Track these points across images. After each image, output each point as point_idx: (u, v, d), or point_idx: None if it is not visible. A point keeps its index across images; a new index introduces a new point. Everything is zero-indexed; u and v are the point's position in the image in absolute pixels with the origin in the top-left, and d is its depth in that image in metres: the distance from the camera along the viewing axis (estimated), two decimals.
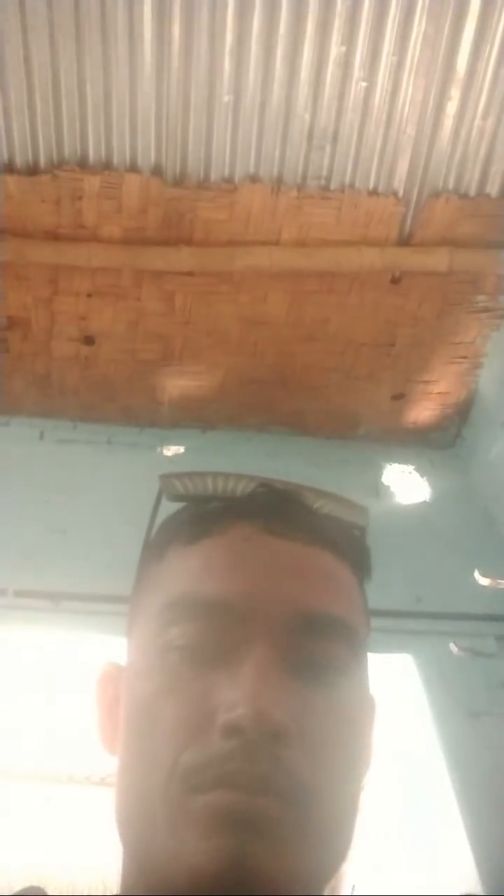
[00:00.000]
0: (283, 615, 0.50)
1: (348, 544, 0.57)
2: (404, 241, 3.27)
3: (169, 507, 0.60)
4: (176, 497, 0.61)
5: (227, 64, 2.83)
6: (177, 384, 3.59)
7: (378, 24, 2.77)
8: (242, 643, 0.49)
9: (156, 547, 0.59)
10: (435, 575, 2.94)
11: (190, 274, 3.22)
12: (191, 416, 3.69)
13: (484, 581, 2.81)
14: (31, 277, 3.23)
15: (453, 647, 2.64)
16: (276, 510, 0.56)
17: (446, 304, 3.45)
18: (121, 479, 3.29)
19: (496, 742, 2.41)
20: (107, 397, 3.62)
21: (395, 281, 3.37)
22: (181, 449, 3.62)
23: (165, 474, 0.62)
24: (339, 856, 0.48)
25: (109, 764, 0.54)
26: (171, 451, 3.64)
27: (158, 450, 3.62)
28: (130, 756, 0.51)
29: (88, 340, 3.44)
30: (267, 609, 0.50)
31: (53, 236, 3.13)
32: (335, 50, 2.83)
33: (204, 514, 0.57)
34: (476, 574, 2.85)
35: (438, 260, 3.27)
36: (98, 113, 2.90)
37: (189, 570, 0.54)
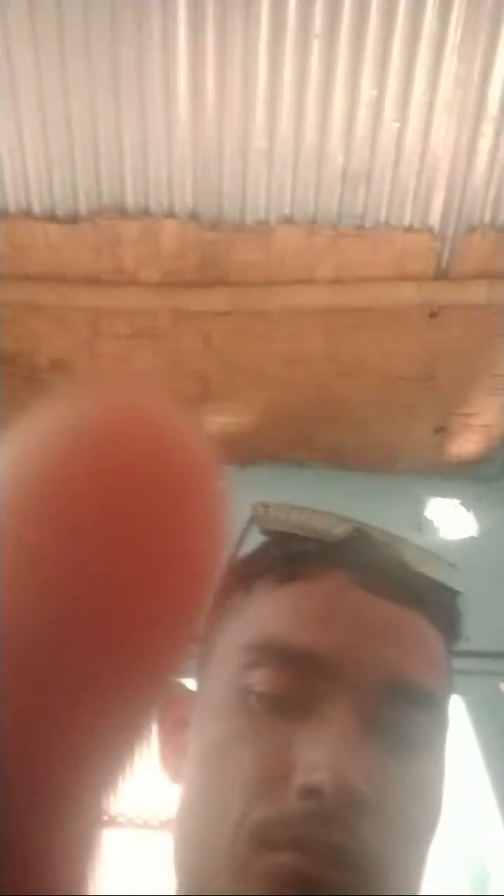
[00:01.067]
0: (373, 679, 0.49)
1: (441, 608, 0.56)
2: (441, 276, 3.27)
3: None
4: (268, 530, 0.59)
5: (259, 110, 2.90)
6: (215, 421, 3.62)
7: (408, 65, 2.82)
8: (328, 700, 0.47)
9: (243, 577, 0.57)
10: (483, 613, 2.86)
11: (226, 314, 3.27)
12: (229, 453, 3.70)
13: None
14: (72, 321, 3.32)
15: (503, 687, 2.55)
16: (372, 562, 0.54)
17: (486, 336, 3.42)
18: None
19: None
20: None
21: (433, 315, 3.36)
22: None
23: (259, 502, 0.59)
24: None
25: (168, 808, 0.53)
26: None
27: None
28: (196, 795, 0.50)
29: None
30: (357, 669, 0.49)
31: (94, 281, 3.21)
32: (366, 93, 2.89)
33: (299, 553, 0.56)
34: None
35: (476, 293, 3.26)
36: (136, 162, 3.00)
37: (279, 614, 0.52)
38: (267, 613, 0.53)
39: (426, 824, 0.49)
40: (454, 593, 0.59)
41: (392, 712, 0.48)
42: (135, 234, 3.10)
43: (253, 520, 0.59)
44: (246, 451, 3.69)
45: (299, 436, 3.65)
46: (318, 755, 0.45)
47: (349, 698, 0.47)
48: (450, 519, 3.59)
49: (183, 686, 0.59)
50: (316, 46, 2.77)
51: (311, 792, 0.43)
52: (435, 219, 3.14)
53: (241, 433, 3.66)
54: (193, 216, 3.11)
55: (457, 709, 2.51)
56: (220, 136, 2.95)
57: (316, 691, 0.48)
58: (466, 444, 3.77)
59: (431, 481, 3.75)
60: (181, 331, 3.35)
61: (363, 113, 2.92)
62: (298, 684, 0.48)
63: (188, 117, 2.91)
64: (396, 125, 2.94)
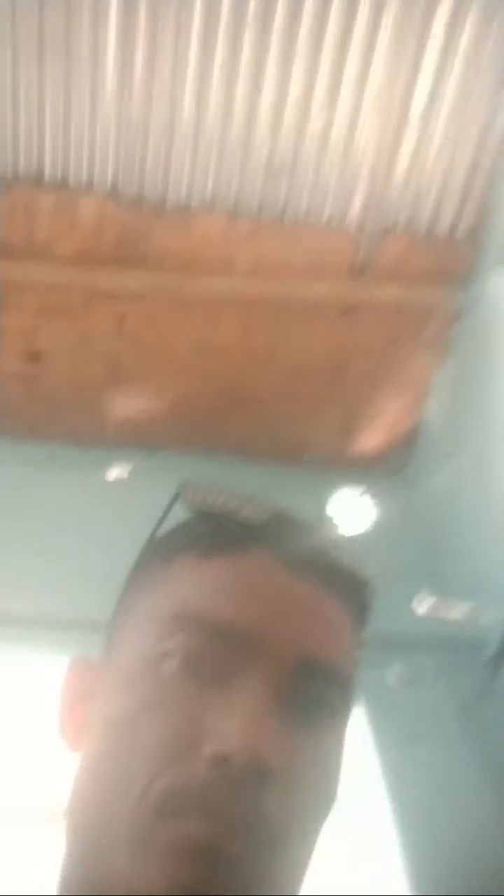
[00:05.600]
0: (289, 655, 0.50)
1: (352, 595, 0.58)
2: (357, 275, 3.34)
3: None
4: (196, 508, 0.59)
5: (188, 93, 2.86)
6: (124, 405, 3.56)
7: (338, 65, 2.85)
8: (243, 673, 0.48)
9: (164, 551, 0.57)
10: (378, 602, 2.96)
11: (141, 296, 3.21)
12: (137, 439, 3.66)
13: (425, 606, 2.85)
14: None
15: (395, 674, 2.65)
16: (293, 545, 0.56)
17: (395, 337, 3.52)
18: (63, 500, 3.23)
19: (432, 770, 2.43)
20: (51, 417, 3.56)
21: (346, 312, 3.43)
22: (126, 471, 3.58)
23: (188, 481, 0.60)
24: None
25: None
26: (115, 472, 3.59)
27: (102, 471, 3.57)
28: (100, 763, 0.49)
29: (34, 358, 3.38)
30: (274, 645, 0.50)
31: (3, 252, 3.08)
32: (295, 87, 2.90)
33: (225, 530, 0.56)
34: (418, 599, 2.88)
35: (389, 294, 3.35)
36: (56, 132, 2.89)
37: (203, 586, 0.53)
38: (189, 586, 0.53)
39: (325, 799, 0.51)
40: (364, 582, 0.61)
41: (304, 688, 0.50)
42: (50, 205, 2.99)
43: (178, 497, 0.59)
44: (154, 436, 3.65)
45: (209, 424, 3.65)
46: (229, 725, 0.45)
47: (264, 672, 0.48)
48: (353, 512, 3.69)
49: (89, 660, 0.59)
50: (248, 35, 2.76)
51: (221, 760, 0.44)
52: (353, 218, 3.20)
53: (150, 419, 3.62)
54: (113, 193, 3.03)
55: None
56: (146, 115, 2.88)
57: (232, 663, 0.49)
58: (371, 441, 3.88)
59: (335, 475, 3.84)
60: (93, 310, 3.27)
61: (290, 107, 2.93)
62: (215, 655, 0.49)
63: (115, 92, 2.83)
64: (322, 122, 2.97)
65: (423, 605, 2.85)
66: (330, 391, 3.65)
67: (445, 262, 3.33)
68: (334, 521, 3.66)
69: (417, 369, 3.64)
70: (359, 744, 2.53)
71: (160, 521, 0.61)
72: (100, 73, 2.74)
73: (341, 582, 0.57)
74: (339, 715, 0.52)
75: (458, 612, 2.81)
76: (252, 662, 0.49)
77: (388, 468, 3.93)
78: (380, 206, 3.18)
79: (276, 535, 0.56)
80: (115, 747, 0.48)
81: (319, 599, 0.54)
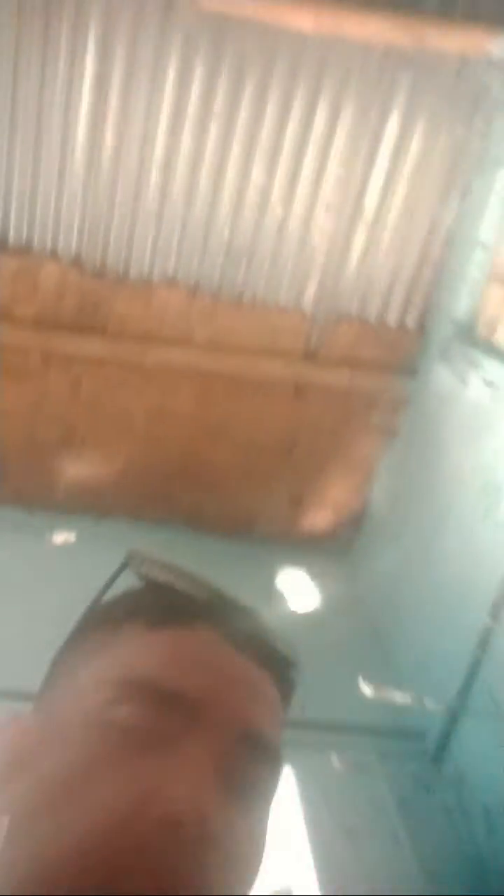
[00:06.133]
0: (232, 726, 0.51)
1: (285, 676, 0.61)
2: (309, 356, 3.46)
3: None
4: (144, 578, 0.61)
5: (154, 172, 3.00)
6: (75, 469, 3.53)
7: (296, 161, 3.05)
8: (187, 740, 0.49)
9: (111, 618, 0.59)
10: (320, 685, 2.92)
11: (100, 362, 3.25)
12: (86, 504, 3.62)
13: (367, 691, 2.82)
14: None
15: (335, 761, 2.60)
16: (238, 624, 0.59)
17: (345, 418, 3.63)
18: (6, 563, 3.14)
19: (371, 863, 2.35)
20: (1, 477, 3.50)
21: (298, 391, 3.53)
22: (72, 536, 3.52)
23: (135, 551, 0.62)
24: None
25: None
26: (61, 537, 3.52)
27: (48, 535, 3.50)
28: (35, 823, 0.47)
29: None
30: (218, 715, 0.51)
31: None
32: (257, 177, 3.07)
33: (171, 604, 0.59)
34: (360, 684, 2.86)
35: (339, 376, 3.47)
36: (23, 199, 2.97)
37: (151, 654, 0.54)
38: (137, 653, 0.55)
39: (251, 869, 0.51)
40: (293, 664, 0.63)
41: (242, 761, 0.51)
42: (13, 269, 3.04)
43: (125, 566, 0.61)
44: (104, 503, 3.62)
45: (160, 493, 3.64)
46: (178, 789, 0.46)
47: (209, 740, 0.50)
48: (297, 590, 3.68)
49: (17, 716, 0.58)
50: (214, 125, 2.93)
51: (172, 823, 0.44)
52: (308, 303, 3.34)
53: (102, 484, 3.59)
54: (76, 261, 3.10)
55: (286, 780, 2.53)
56: (112, 188, 3.01)
57: (178, 730, 0.50)
58: (319, 519, 3.92)
59: (283, 551, 3.85)
60: (50, 373, 3.28)
61: (251, 196, 3.09)
62: (162, 722, 0.50)
63: (83, 164, 2.95)
64: (280, 212, 3.13)
65: (366, 689, 2.83)
66: (280, 467, 3.71)
67: (393, 350, 3.48)
68: (282, 597, 3.64)
69: (365, 451, 3.74)
70: (291, 831, 2.44)
71: (105, 588, 0.62)
72: (69, 145, 2.86)
73: (274, 661, 0.59)
74: (270, 790, 0.53)
75: (400, 698, 2.80)
76: (196, 730, 0.50)
77: (335, 548, 3.96)
78: (332, 295, 3.34)
79: (218, 613, 0.59)
80: (58, 806, 0.47)
81: (256, 675, 0.56)
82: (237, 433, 3.57)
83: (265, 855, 0.54)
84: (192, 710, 0.51)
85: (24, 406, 3.34)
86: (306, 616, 3.51)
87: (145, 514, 3.65)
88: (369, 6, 2.74)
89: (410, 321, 3.43)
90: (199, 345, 3.34)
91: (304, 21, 2.70)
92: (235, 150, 3.01)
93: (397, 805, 2.55)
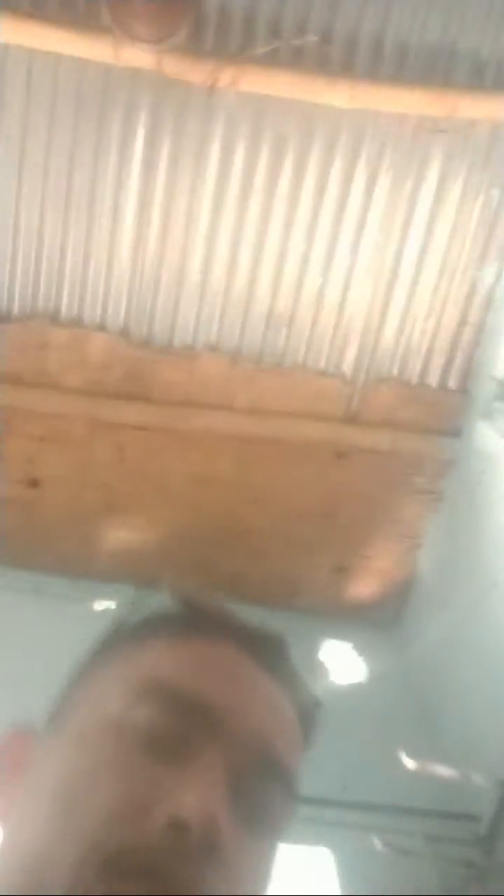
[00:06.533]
0: (250, 743, 0.50)
1: (307, 712, 0.59)
2: (350, 420, 3.45)
3: None
4: (178, 596, 0.61)
5: (198, 246, 3.13)
6: (117, 536, 3.55)
7: (334, 230, 3.14)
8: (204, 751, 0.48)
9: (136, 633, 0.58)
10: (365, 763, 2.77)
11: (143, 428, 3.32)
12: (128, 571, 3.61)
13: (411, 765, 2.65)
14: None
15: (377, 843, 2.41)
16: (265, 646, 0.57)
17: (388, 482, 3.57)
18: (47, 631, 3.13)
19: None
20: (44, 544, 3.54)
21: (340, 455, 3.51)
22: (112, 604, 3.50)
23: (169, 576, 0.64)
24: None
25: None
26: (102, 605, 3.51)
27: (89, 603, 3.49)
28: (44, 824, 0.47)
29: (33, 484, 3.43)
30: (238, 729, 0.50)
31: (15, 380, 3.23)
32: (295, 248, 3.17)
33: (203, 619, 0.58)
34: (403, 758, 2.68)
35: (381, 439, 3.44)
36: (75, 275, 3.14)
37: (176, 659, 0.53)
38: (162, 658, 0.54)
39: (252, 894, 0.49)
40: (317, 703, 0.62)
41: (257, 781, 0.49)
42: (63, 340, 3.18)
43: (163, 585, 0.61)
44: (145, 570, 3.61)
45: (200, 560, 3.61)
46: (188, 794, 0.45)
47: (224, 755, 0.48)
48: (341, 663, 3.54)
49: (27, 727, 0.57)
50: (255, 199, 3.06)
51: (178, 825, 0.43)
52: (348, 366, 3.36)
53: (143, 551, 3.59)
54: (124, 332, 3.22)
55: (326, 863, 2.36)
56: (159, 263, 3.14)
57: (195, 740, 0.48)
58: (364, 588, 3.81)
59: (327, 622, 3.73)
60: (95, 440, 3.36)
61: (291, 265, 3.18)
62: (180, 729, 0.49)
63: (131, 242, 3.11)
64: (320, 280, 3.21)
65: (410, 765, 2.66)
66: (323, 533, 3.65)
67: (435, 411, 3.45)
68: (325, 670, 3.51)
69: (410, 516, 3.65)
70: None
71: (133, 607, 0.62)
72: (119, 224, 3.01)
73: (299, 694, 0.58)
74: (282, 822, 0.51)
75: (447, 773, 2.61)
76: (214, 742, 0.48)
77: (381, 618, 3.82)
78: (372, 358, 3.36)
79: (254, 636, 0.58)
80: (65, 806, 0.46)
81: (281, 699, 0.55)
82: (277, 497, 3.55)
83: (267, 887, 0.52)
84: (212, 720, 0.49)
85: (68, 472, 3.41)
86: (350, 690, 3.36)
87: (186, 581, 3.61)
88: (402, 80, 2.87)
89: (452, 382, 3.41)
90: (239, 410, 3.38)
91: (340, 97, 2.85)
92: (275, 222, 3.12)
93: (443, 891, 2.34)
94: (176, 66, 2.70)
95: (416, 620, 3.69)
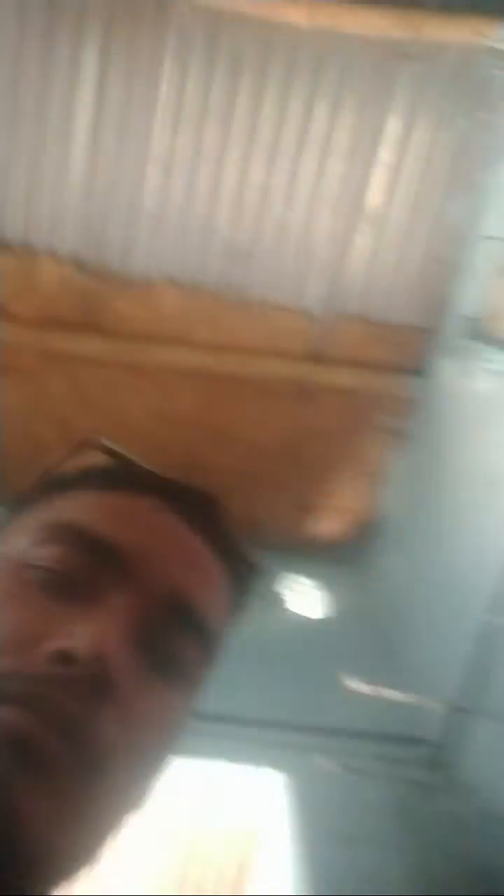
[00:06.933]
0: (158, 586, 0.48)
1: (240, 568, 0.57)
2: (313, 358, 3.39)
3: None
4: (106, 448, 0.59)
5: (153, 172, 3.01)
6: None
7: (296, 158, 3.03)
8: (108, 593, 0.46)
9: (59, 483, 0.56)
10: (320, 689, 2.80)
11: (99, 362, 3.23)
12: None
13: (365, 691, 2.68)
14: None
15: (329, 764, 2.45)
16: (194, 502, 0.56)
17: (352, 421, 3.54)
18: None
19: (371, 871, 2.19)
20: None
21: (303, 393, 3.46)
22: None
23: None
24: (99, 841, 0.43)
25: None
26: None
27: None
28: None
29: None
30: (146, 572, 0.48)
31: None
32: (257, 175, 3.06)
33: (125, 473, 0.56)
34: (357, 684, 2.71)
35: (345, 377, 3.39)
36: (22, 196, 3.00)
37: (89, 507, 0.51)
38: (77, 507, 0.52)
39: (161, 750, 0.48)
40: (251, 563, 0.60)
41: (166, 627, 0.48)
42: (11, 267, 3.06)
43: (88, 442, 0.59)
44: None
45: None
46: (80, 628, 0.43)
47: (130, 599, 0.46)
48: (302, 598, 3.56)
49: None
50: (212, 122, 2.94)
51: (63, 656, 0.41)
52: (311, 302, 3.29)
53: None
54: (76, 260, 3.11)
55: (277, 785, 2.39)
56: (112, 188, 3.02)
57: (98, 581, 0.47)
58: (327, 525, 3.81)
59: (290, 559, 3.74)
60: (48, 373, 3.27)
61: (251, 193, 3.08)
62: (84, 569, 0.47)
63: (83, 164, 2.97)
64: (281, 209, 3.11)
65: (363, 689, 2.68)
66: (285, 472, 3.62)
67: (401, 350, 3.40)
68: (287, 604, 3.53)
69: (373, 455, 3.63)
70: (284, 839, 2.29)
71: (59, 462, 0.58)
72: (69, 144, 2.88)
73: (230, 550, 0.56)
74: (195, 673, 0.49)
75: (399, 697, 2.65)
76: (119, 584, 0.47)
77: (344, 554, 3.84)
78: (336, 293, 3.28)
79: (182, 492, 0.56)
80: None
81: (201, 549, 0.53)
82: (239, 436, 3.50)
83: (173, 737, 0.50)
84: (119, 564, 0.48)
85: (23, 405, 3.33)
86: (311, 622, 3.39)
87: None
88: (362, 1, 2.74)
89: (417, 319, 3.36)
90: (199, 345, 3.30)
91: (299, 15, 2.72)
92: (234, 147, 3.00)
93: (396, 812, 2.39)
94: None
95: (379, 555, 3.71)
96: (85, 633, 0.43)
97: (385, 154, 3.05)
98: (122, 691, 0.43)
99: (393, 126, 3.01)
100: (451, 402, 3.26)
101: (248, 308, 3.29)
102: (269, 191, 3.10)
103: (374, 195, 3.13)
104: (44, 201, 2.99)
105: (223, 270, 3.22)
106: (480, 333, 3.04)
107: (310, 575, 3.67)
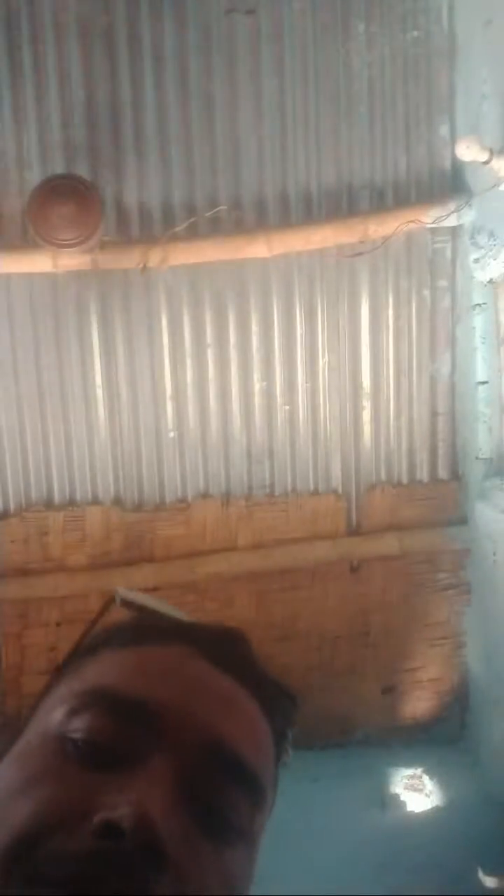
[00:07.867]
0: (197, 739, 0.47)
1: (278, 707, 0.56)
2: (353, 532, 3.45)
3: None
4: (126, 601, 0.63)
5: (168, 406, 3.32)
6: None
7: (289, 362, 3.33)
8: (146, 756, 0.45)
9: (90, 646, 0.57)
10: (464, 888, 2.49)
11: (154, 589, 3.33)
12: None
13: (489, 882, 2.37)
14: (2, 614, 3.33)
15: None
16: (221, 644, 0.55)
17: (409, 585, 3.50)
18: None
19: None
20: None
21: (353, 569, 3.47)
22: None
23: (120, 587, 0.63)
24: None
25: None
26: None
27: None
28: None
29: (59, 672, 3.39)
30: (182, 728, 0.47)
31: (22, 572, 3.31)
32: (258, 386, 3.35)
33: (150, 624, 0.58)
34: (480, 874, 2.41)
35: (389, 544, 3.41)
36: (61, 461, 3.30)
37: (118, 667, 0.52)
38: (105, 668, 0.52)
39: None
40: (291, 697, 0.60)
41: (210, 781, 0.46)
42: (60, 523, 3.29)
43: (113, 600, 0.63)
44: None
45: None
46: (124, 797, 0.42)
47: (169, 757, 0.45)
48: (414, 791, 3.28)
49: None
50: (210, 353, 3.29)
51: (110, 829, 0.40)
52: (337, 482, 3.42)
53: None
54: (116, 502, 3.33)
55: None
56: (135, 431, 3.32)
57: (136, 745, 0.46)
58: (419, 703, 3.60)
59: (390, 750, 3.50)
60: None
61: (257, 400, 3.35)
62: (120, 735, 0.46)
63: (106, 419, 3.30)
64: (287, 408, 3.36)
65: (488, 881, 2.38)
66: (361, 653, 3.52)
67: (434, 506, 3.44)
68: (398, 802, 3.25)
69: (443, 616, 3.53)
70: None
71: (91, 625, 0.63)
72: (91, 407, 3.25)
73: (266, 690, 0.55)
74: (249, 824, 0.47)
75: None
76: (157, 745, 0.46)
77: (446, 733, 3.58)
78: (358, 470, 3.42)
79: (208, 633, 0.56)
80: None
81: (237, 693, 0.52)
82: (306, 628, 3.46)
83: (245, 891, 0.47)
84: (152, 721, 0.47)
85: None
86: (430, 814, 3.09)
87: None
88: (311, 221, 3.17)
89: (442, 472, 3.44)
90: (243, 548, 3.40)
91: (259, 248, 3.14)
92: (233, 368, 3.32)
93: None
94: (109, 259, 3.03)
95: (481, 724, 3.44)
96: (129, 802, 0.41)
97: (365, 336, 3.33)
98: (173, 857, 0.41)
99: (364, 312, 3.32)
100: (495, 544, 3.22)
101: (279, 502, 3.42)
102: (272, 396, 3.36)
103: (366, 373, 3.37)
104: (79, 460, 3.29)
105: (248, 475, 3.40)
106: (501, 471, 3.09)
107: (415, 763, 3.40)
